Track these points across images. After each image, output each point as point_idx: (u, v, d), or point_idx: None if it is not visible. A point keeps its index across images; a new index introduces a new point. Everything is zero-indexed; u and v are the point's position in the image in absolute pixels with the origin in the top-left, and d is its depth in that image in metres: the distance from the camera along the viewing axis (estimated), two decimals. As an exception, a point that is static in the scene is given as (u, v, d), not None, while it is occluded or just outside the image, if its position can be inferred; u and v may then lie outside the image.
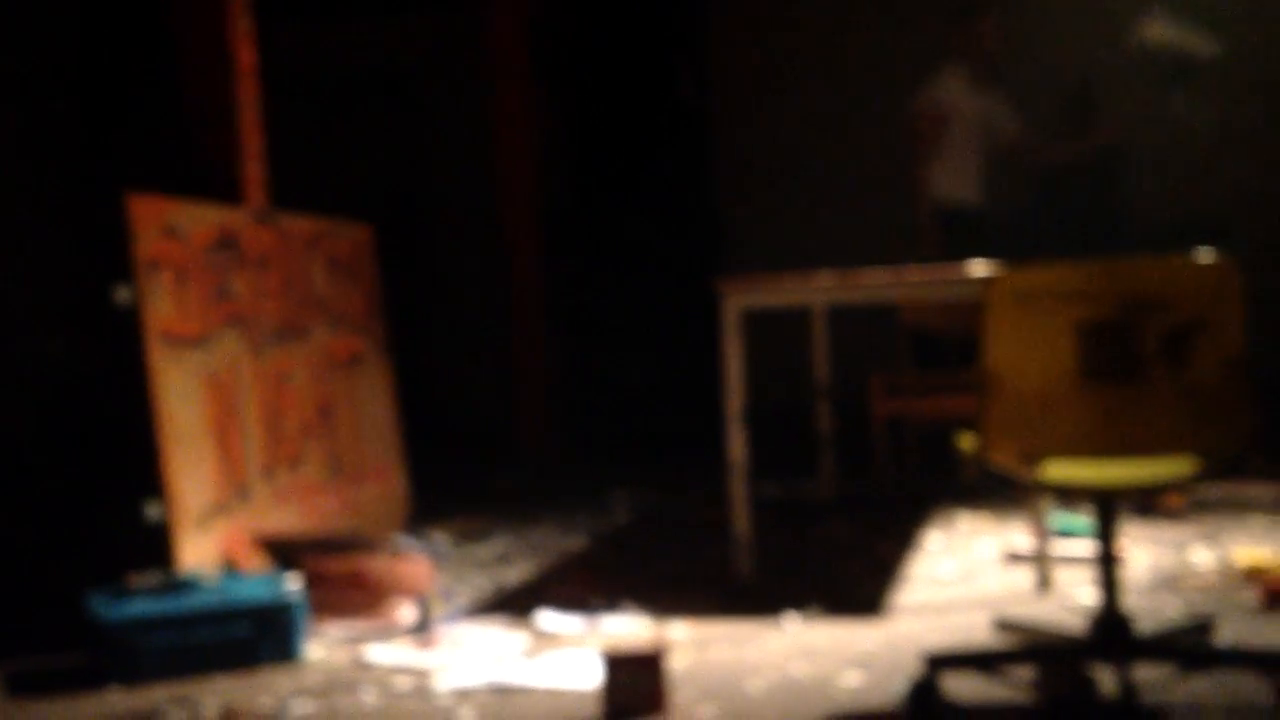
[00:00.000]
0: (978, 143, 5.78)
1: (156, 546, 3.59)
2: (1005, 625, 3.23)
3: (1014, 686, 2.85)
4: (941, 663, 2.83)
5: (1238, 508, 4.52)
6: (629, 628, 3.52)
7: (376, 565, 3.70)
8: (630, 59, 7.72)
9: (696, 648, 3.31)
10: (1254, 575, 3.60)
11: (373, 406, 4.97)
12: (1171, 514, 4.46)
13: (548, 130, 7.06)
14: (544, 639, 3.47)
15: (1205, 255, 2.71)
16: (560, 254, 7.28)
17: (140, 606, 3.27)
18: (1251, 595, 3.47)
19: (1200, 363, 2.63)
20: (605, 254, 7.71)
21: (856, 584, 3.88)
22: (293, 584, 3.39)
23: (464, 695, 3.04)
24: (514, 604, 3.83)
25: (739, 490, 3.87)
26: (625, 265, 7.72)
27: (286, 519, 4.22)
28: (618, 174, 7.69)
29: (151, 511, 3.62)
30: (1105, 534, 2.80)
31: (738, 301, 3.89)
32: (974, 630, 3.33)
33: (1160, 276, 2.67)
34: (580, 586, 3.99)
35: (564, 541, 4.74)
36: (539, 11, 6.85)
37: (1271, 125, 7.08)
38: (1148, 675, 2.84)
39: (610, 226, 7.70)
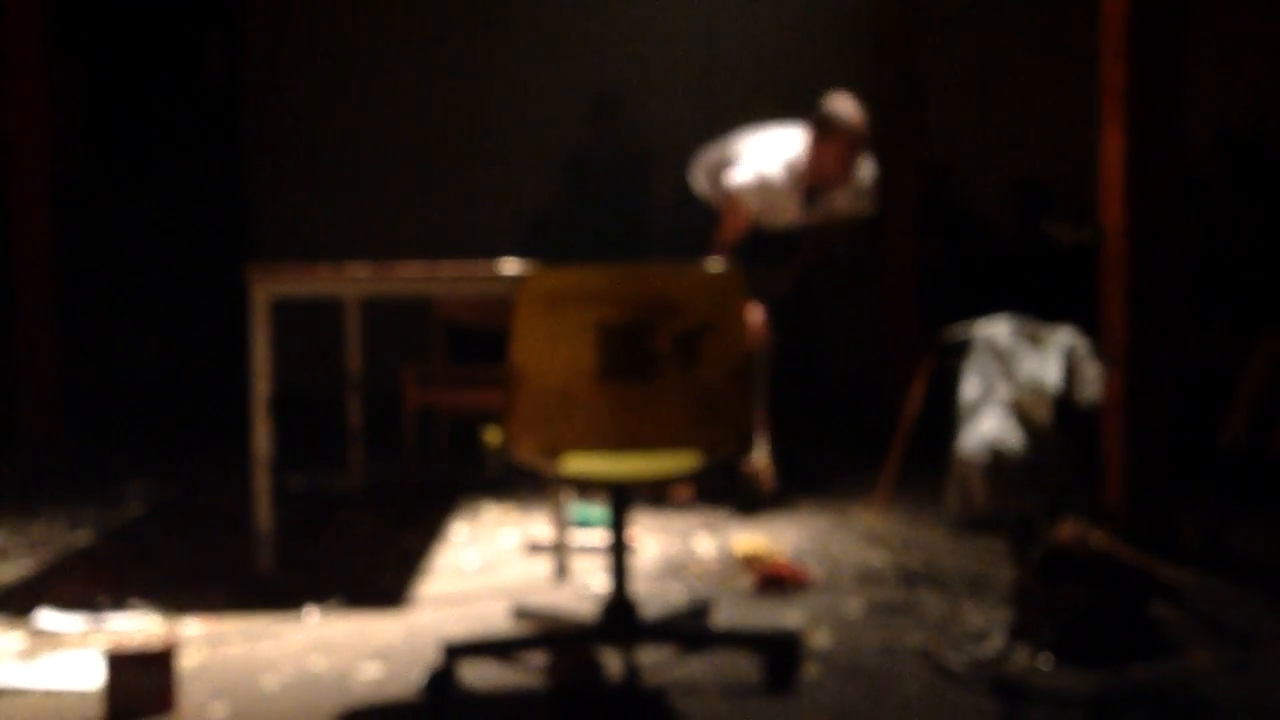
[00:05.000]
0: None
1: None
2: (522, 613, 3.33)
3: (529, 672, 2.95)
4: (459, 651, 2.89)
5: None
6: (138, 626, 3.36)
7: None
8: (158, 35, 7.37)
9: (210, 645, 3.20)
10: (749, 562, 3.89)
11: None
12: (680, 505, 4.74)
13: (65, 103, 6.61)
14: (43, 639, 3.25)
15: (714, 265, 2.91)
16: (78, 233, 6.83)
17: None
18: (746, 580, 3.75)
19: (706, 365, 2.82)
20: (129, 236, 7.32)
21: (380, 576, 3.88)
22: None
23: (-54, 703, 2.80)
24: (10, 603, 3.56)
25: (263, 482, 3.78)
26: (150, 248, 7.35)
27: None
28: (143, 154, 7.32)
29: None
30: (617, 524, 2.95)
31: (267, 289, 3.80)
32: (494, 619, 3.41)
33: (673, 282, 2.84)
34: (86, 584, 3.76)
35: (70, 536, 4.46)
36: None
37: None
38: (651, 657, 3.02)
39: (134, 208, 7.31)
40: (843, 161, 4.73)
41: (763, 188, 4.82)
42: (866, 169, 4.90)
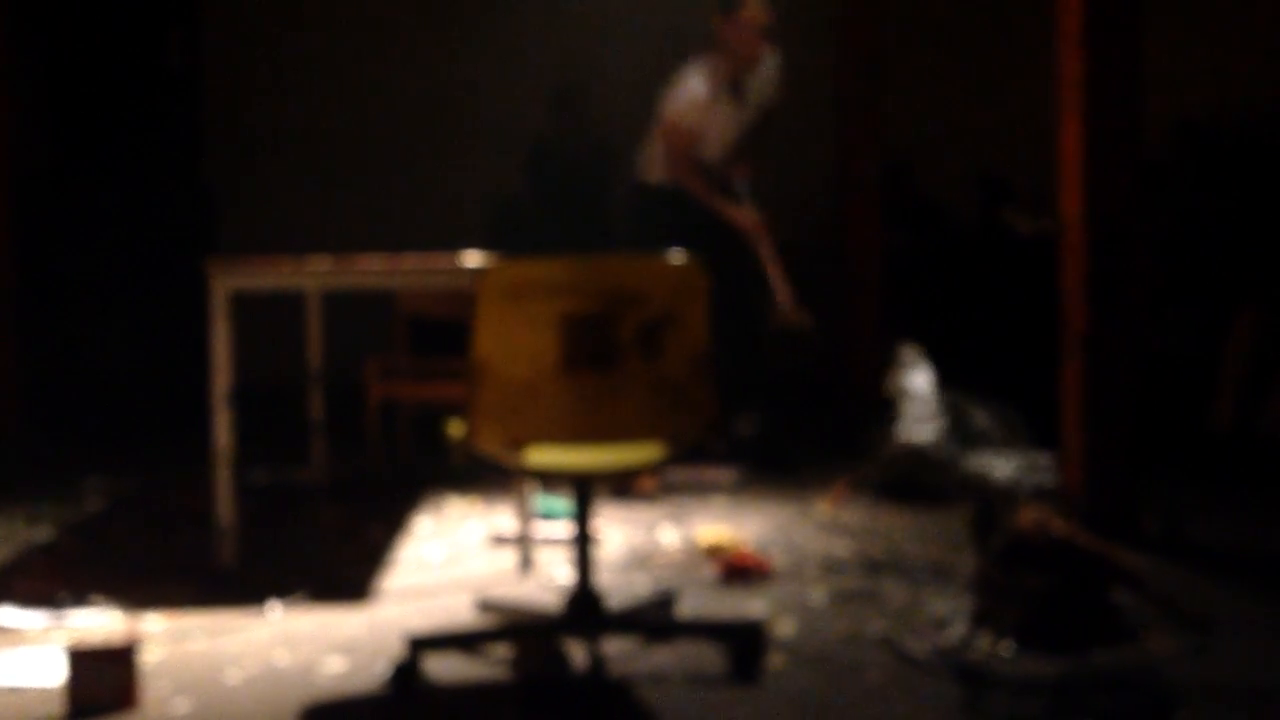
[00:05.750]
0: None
1: None
2: (486, 605, 3.33)
3: (494, 664, 2.95)
4: (423, 644, 2.88)
5: (701, 490, 4.87)
6: (99, 622, 3.33)
7: None
8: (117, 26, 7.29)
9: (173, 640, 3.19)
10: (714, 552, 3.90)
11: None
12: (645, 496, 4.75)
13: (23, 94, 6.55)
14: (3, 636, 3.22)
15: (676, 256, 2.91)
16: (36, 225, 6.77)
17: None
18: (711, 571, 3.76)
19: (669, 356, 2.82)
20: (88, 227, 7.25)
21: (344, 570, 3.86)
22: None
23: (-96, 702, 2.77)
24: (-32, 600, 3.53)
25: (224, 476, 3.76)
26: (110, 240, 7.28)
27: None
28: (103, 146, 7.25)
29: None
30: (582, 516, 2.94)
31: (227, 282, 3.77)
32: (458, 612, 3.40)
33: (636, 273, 2.84)
34: (46, 580, 3.73)
35: (28, 532, 4.42)
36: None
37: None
38: (616, 648, 3.02)
39: (94, 199, 7.24)
40: (752, 38, 5.11)
41: (691, 102, 5.14)
42: (771, 59, 5.27)
